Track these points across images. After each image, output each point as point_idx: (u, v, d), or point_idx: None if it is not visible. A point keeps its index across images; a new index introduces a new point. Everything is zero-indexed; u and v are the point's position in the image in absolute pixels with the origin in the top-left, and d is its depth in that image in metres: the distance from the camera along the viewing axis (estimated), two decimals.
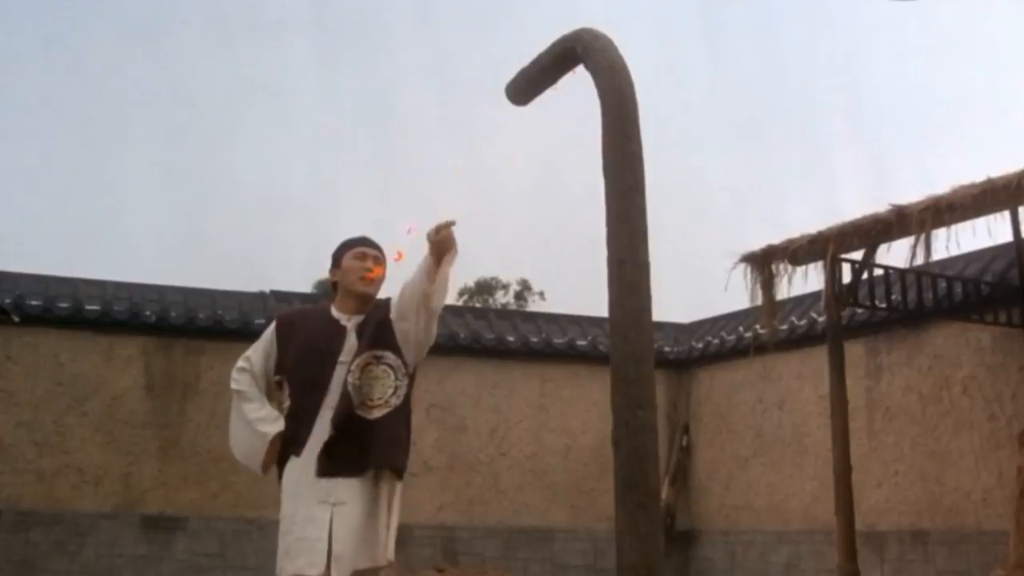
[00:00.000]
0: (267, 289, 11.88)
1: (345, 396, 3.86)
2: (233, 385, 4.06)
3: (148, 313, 10.58)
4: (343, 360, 3.93)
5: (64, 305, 10.38)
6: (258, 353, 4.08)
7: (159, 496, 10.23)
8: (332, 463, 3.81)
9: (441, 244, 3.80)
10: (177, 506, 10.24)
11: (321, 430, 3.84)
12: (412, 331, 3.94)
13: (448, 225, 3.78)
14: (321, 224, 32.81)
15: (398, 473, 3.91)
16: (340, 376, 3.90)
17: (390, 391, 3.90)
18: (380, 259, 4.11)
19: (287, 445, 3.90)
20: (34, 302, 10.26)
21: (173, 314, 10.65)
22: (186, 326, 10.62)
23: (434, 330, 3.99)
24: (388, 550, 3.88)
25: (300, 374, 3.97)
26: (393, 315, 3.97)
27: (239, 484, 10.20)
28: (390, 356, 3.93)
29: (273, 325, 4.18)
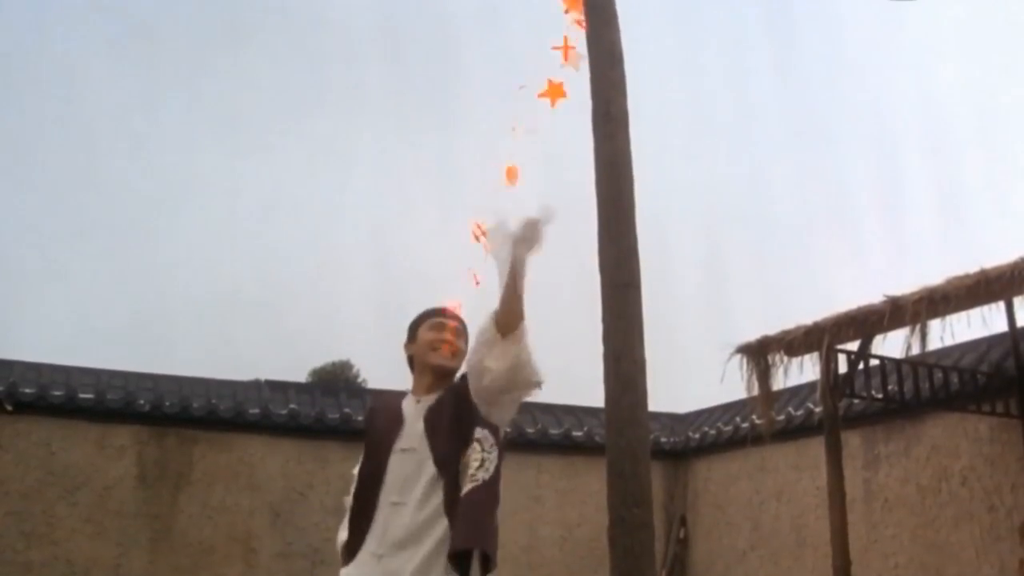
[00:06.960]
0: (262, 378, 11.84)
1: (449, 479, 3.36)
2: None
3: (142, 402, 10.51)
4: (403, 448, 3.47)
5: (58, 393, 10.32)
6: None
7: None
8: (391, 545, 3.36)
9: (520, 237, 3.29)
10: None
11: (381, 527, 3.39)
12: (485, 373, 3.34)
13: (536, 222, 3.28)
14: (317, 313, 32.79)
15: (452, 559, 3.24)
16: (396, 466, 3.44)
17: (476, 464, 3.32)
18: (461, 331, 3.65)
19: (346, 553, 3.47)
20: (27, 390, 10.21)
21: (167, 403, 10.58)
22: (180, 415, 10.53)
23: (505, 362, 3.31)
24: None
25: (362, 471, 3.57)
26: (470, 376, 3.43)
27: None
28: (477, 430, 3.37)
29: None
